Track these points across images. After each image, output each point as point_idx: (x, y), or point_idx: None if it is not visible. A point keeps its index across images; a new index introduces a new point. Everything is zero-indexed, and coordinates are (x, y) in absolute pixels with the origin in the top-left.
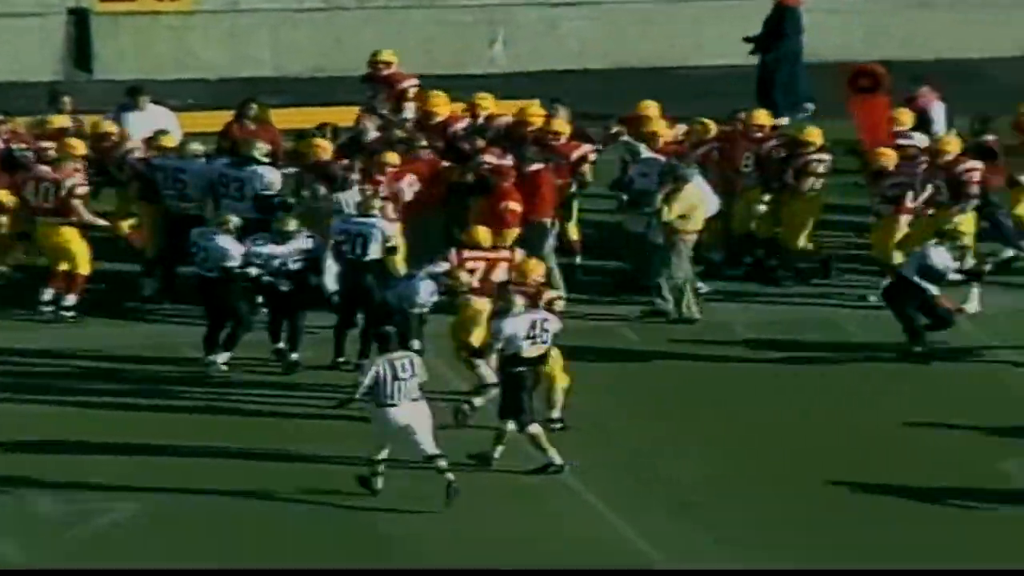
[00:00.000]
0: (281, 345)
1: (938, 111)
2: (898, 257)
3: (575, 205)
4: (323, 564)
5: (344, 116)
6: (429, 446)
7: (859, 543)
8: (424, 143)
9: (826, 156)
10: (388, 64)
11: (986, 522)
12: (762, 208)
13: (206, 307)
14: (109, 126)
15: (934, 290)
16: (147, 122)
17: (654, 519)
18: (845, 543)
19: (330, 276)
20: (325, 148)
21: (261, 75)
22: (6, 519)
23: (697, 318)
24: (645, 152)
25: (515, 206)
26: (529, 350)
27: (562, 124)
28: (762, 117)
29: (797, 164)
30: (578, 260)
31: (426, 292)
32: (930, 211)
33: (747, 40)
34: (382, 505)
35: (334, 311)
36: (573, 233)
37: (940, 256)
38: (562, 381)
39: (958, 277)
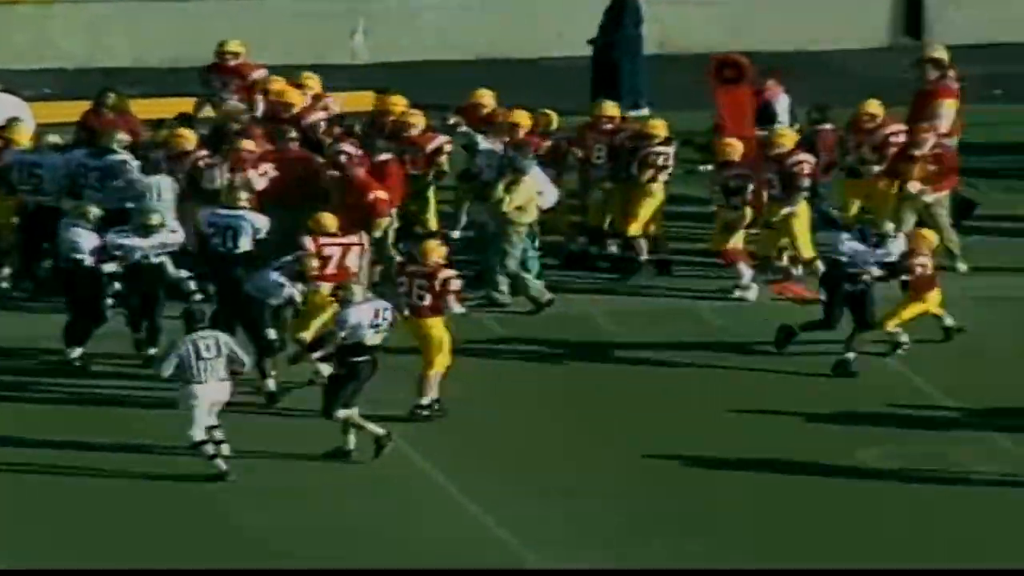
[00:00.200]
0: (142, 335)
1: (782, 104)
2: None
3: (431, 195)
4: (174, 556)
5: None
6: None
7: (728, 536)
8: (294, 134)
9: (667, 148)
10: (236, 55)
11: (845, 510)
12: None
13: (66, 299)
14: None
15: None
16: None
17: (518, 511)
18: (713, 535)
19: None
20: (188, 138)
21: (119, 65)
22: None
23: (550, 298)
24: (483, 143)
25: (383, 195)
26: (372, 338)
27: (416, 115)
28: (611, 108)
29: (639, 156)
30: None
31: (280, 283)
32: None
33: (590, 42)
34: (237, 497)
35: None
36: (432, 223)
37: (852, 246)
38: (439, 367)
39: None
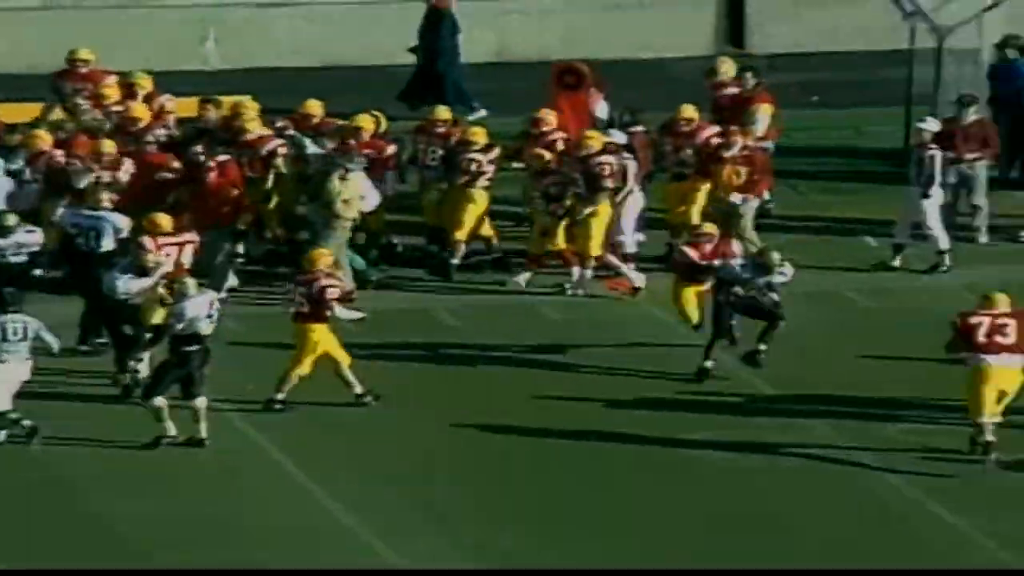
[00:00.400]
0: None
1: (602, 109)
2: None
3: (274, 196)
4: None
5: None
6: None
7: (568, 521)
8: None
9: (485, 155)
10: (86, 62)
11: (673, 491)
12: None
13: None
14: None
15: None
16: None
17: (368, 501)
18: (556, 523)
19: None
20: (43, 139)
21: None
22: None
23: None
24: (310, 146)
25: (238, 194)
26: (206, 328)
27: (253, 120)
28: (443, 113)
29: (458, 161)
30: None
31: (122, 280)
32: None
33: (411, 51)
34: (96, 485)
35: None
36: (275, 223)
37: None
38: (345, 360)
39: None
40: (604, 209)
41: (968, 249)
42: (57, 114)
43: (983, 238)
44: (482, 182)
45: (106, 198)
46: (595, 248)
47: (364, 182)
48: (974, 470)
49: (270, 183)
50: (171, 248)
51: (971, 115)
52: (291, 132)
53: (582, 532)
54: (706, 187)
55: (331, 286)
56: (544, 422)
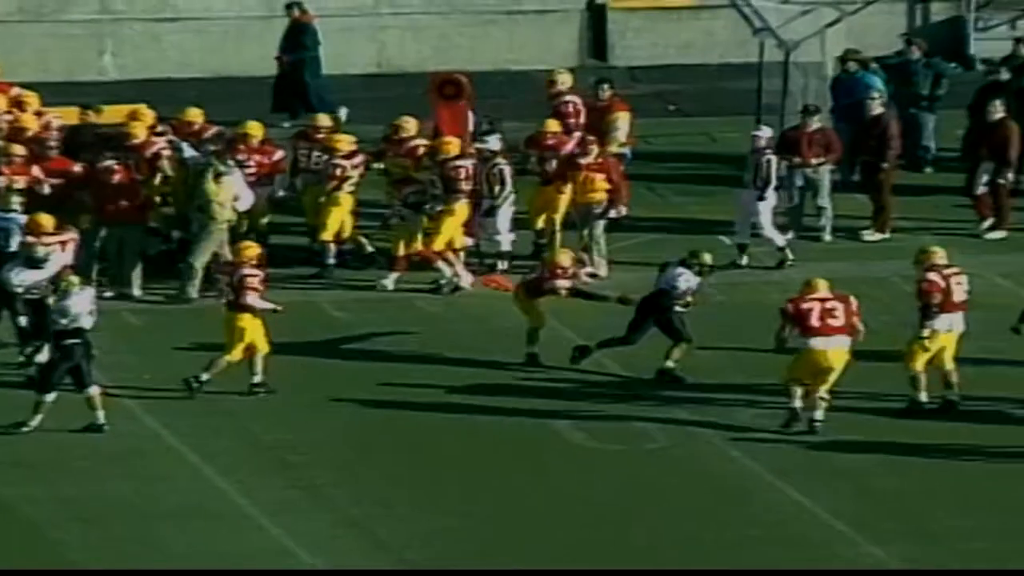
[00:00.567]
0: None
1: (468, 118)
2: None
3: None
4: None
5: None
6: None
7: (449, 504)
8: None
9: (349, 161)
10: None
11: (544, 472)
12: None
13: None
14: None
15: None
16: None
17: (256, 481)
18: (430, 503)
19: None
20: None
21: None
22: None
23: (194, 297)
24: (187, 150)
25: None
26: (88, 323)
27: (140, 127)
28: (323, 120)
29: (326, 166)
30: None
31: (15, 273)
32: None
33: (278, 59)
34: None
35: None
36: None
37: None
38: (263, 349)
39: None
40: (459, 209)
41: (814, 247)
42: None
43: (828, 236)
44: (347, 187)
45: (16, 201)
46: (439, 244)
47: (239, 184)
48: (825, 455)
49: (157, 183)
50: (54, 247)
51: (815, 123)
52: (170, 137)
53: (453, 510)
54: (567, 193)
55: (251, 275)
56: (420, 407)
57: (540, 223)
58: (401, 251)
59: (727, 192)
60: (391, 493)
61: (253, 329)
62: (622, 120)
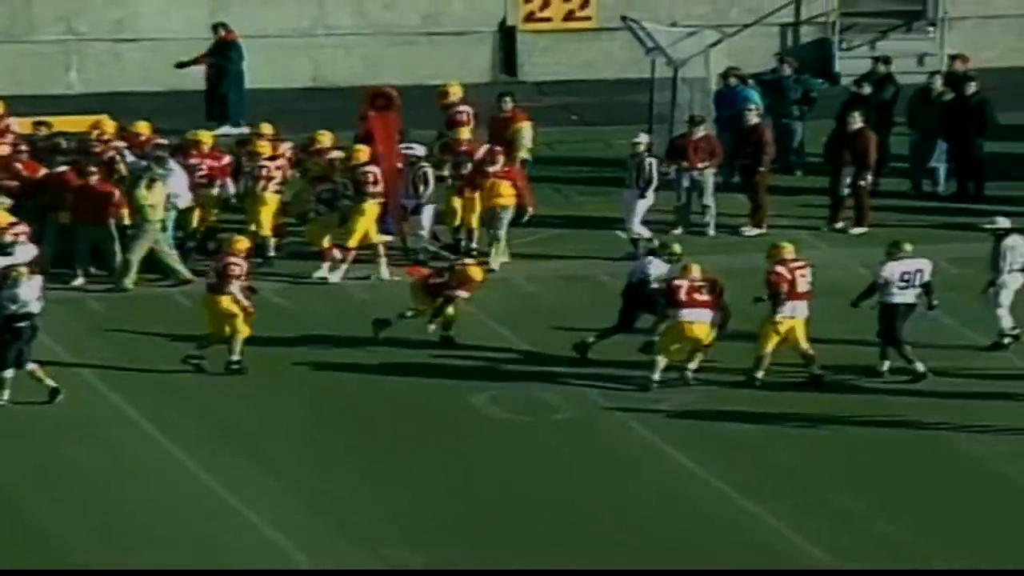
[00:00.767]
0: None
1: (397, 126)
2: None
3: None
4: None
5: None
6: None
7: (388, 473)
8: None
9: (272, 163)
10: None
11: (465, 444)
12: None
13: None
14: None
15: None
16: None
17: (209, 449)
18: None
19: None
20: None
21: None
22: None
23: (129, 288)
24: (129, 156)
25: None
26: (36, 308)
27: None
28: (267, 128)
29: (252, 170)
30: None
31: None
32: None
33: (180, 65)
34: None
35: None
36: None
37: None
38: (244, 332)
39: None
40: (369, 209)
41: (700, 241)
42: None
43: (712, 232)
44: (272, 186)
45: None
46: (354, 240)
47: (179, 185)
48: (709, 424)
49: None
50: (20, 238)
51: (700, 132)
52: (116, 143)
53: (392, 478)
54: (477, 198)
55: (235, 264)
56: (356, 384)
57: (456, 223)
58: (326, 243)
59: (621, 192)
60: (320, 453)
61: (233, 311)
62: (526, 130)
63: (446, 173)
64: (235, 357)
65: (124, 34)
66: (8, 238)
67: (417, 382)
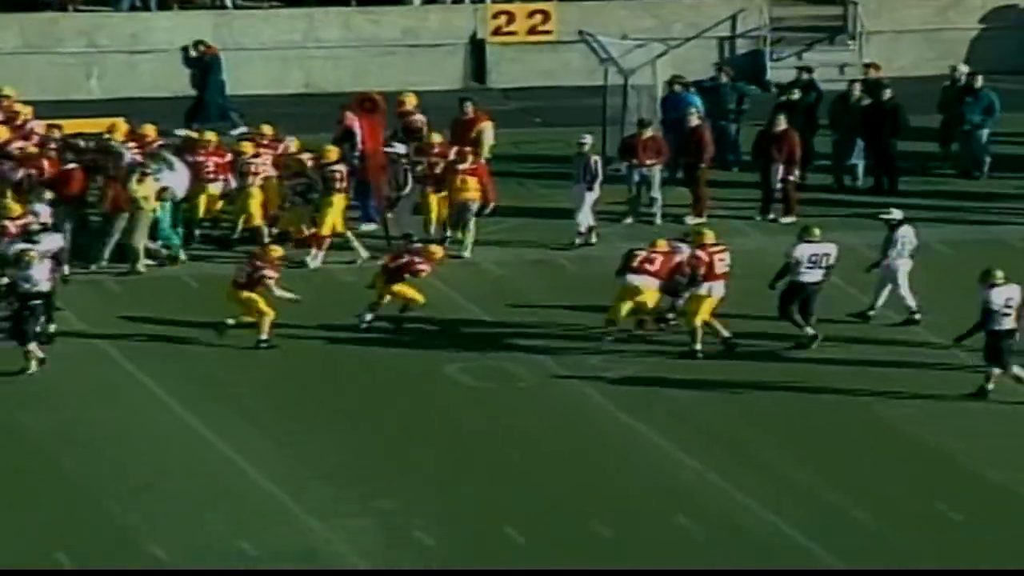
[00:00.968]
0: None
1: (358, 128)
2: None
3: None
4: None
5: None
6: None
7: (360, 430)
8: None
9: (258, 160)
10: (8, 96)
11: (441, 408)
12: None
13: None
14: None
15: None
16: None
17: (209, 408)
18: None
19: None
20: None
21: None
22: None
23: (142, 272)
24: (127, 155)
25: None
26: (46, 287)
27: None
28: (268, 129)
29: (241, 167)
30: None
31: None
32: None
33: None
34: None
35: None
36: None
37: None
38: (269, 315)
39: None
40: (337, 201)
41: (648, 229)
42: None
43: (658, 221)
44: (258, 180)
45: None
46: (326, 229)
47: (174, 180)
48: (655, 390)
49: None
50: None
51: (648, 133)
52: (114, 143)
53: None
54: (446, 193)
55: (270, 277)
56: (342, 355)
57: (432, 217)
58: (304, 232)
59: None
60: (310, 415)
61: (256, 300)
62: (488, 130)
63: (418, 169)
64: (264, 335)
65: (139, 46)
66: (36, 226)
67: (397, 353)
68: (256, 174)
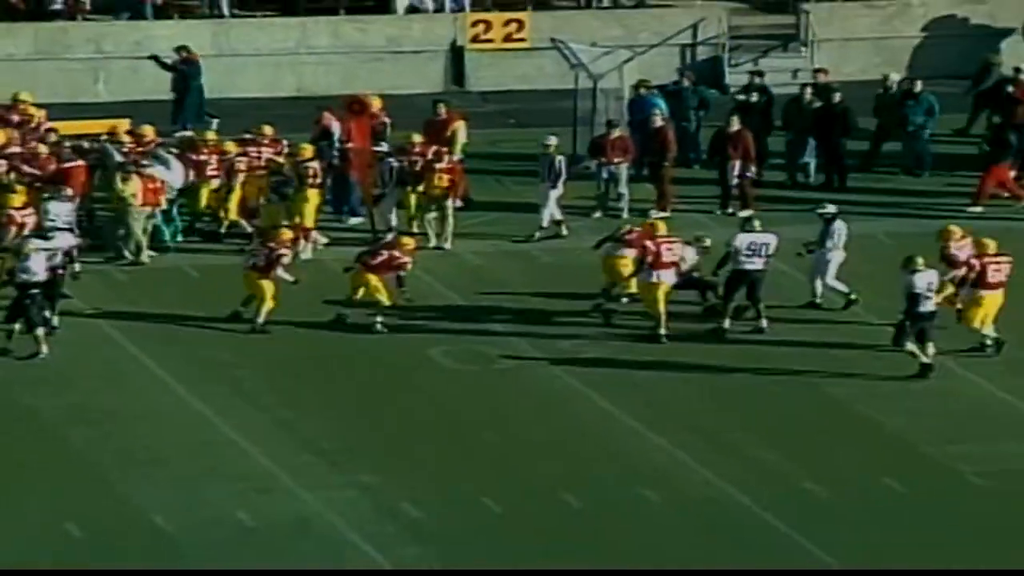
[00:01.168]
0: None
1: (335, 128)
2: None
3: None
4: None
5: None
6: None
7: (343, 409)
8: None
9: (244, 158)
10: (24, 101)
11: (426, 391)
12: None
13: None
14: None
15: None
16: None
17: (207, 388)
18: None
19: None
20: None
21: None
22: None
23: (146, 262)
24: (117, 155)
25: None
26: (44, 277)
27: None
28: (268, 129)
29: (228, 164)
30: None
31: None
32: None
33: (153, 58)
34: (21, 384)
35: None
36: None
37: None
38: (270, 304)
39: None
40: (312, 196)
41: (615, 223)
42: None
43: (625, 215)
44: (240, 178)
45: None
46: (308, 222)
47: (170, 177)
48: (623, 372)
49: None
50: (28, 218)
51: (616, 133)
52: (107, 145)
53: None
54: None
55: (284, 255)
56: (332, 340)
57: (412, 212)
58: (284, 223)
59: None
60: (302, 395)
61: (269, 287)
62: (461, 130)
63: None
64: (260, 320)
65: (142, 52)
66: (48, 223)
67: (383, 337)
68: (241, 171)
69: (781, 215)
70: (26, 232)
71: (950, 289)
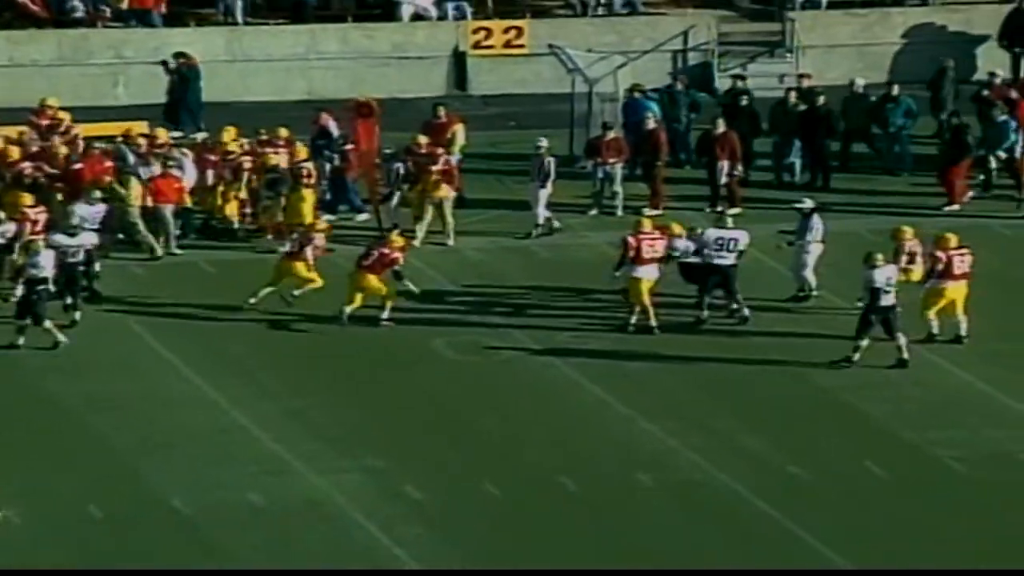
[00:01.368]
0: None
1: (333, 127)
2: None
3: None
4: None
5: None
6: None
7: (342, 401)
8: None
9: (243, 158)
10: (52, 107)
11: (424, 383)
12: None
13: None
14: None
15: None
16: None
17: (219, 375)
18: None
19: None
20: (13, 152)
21: None
22: None
23: (160, 256)
24: (130, 155)
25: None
26: (50, 274)
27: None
28: (283, 132)
29: (229, 164)
30: None
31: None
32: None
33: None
34: (33, 371)
35: None
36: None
37: None
38: (314, 285)
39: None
40: (307, 195)
41: (610, 220)
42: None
43: (619, 212)
44: (243, 178)
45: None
46: (307, 219)
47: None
48: (618, 363)
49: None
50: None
51: (611, 135)
52: (120, 144)
53: (368, 404)
54: (418, 189)
55: (319, 244)
56: (338, 331)
57: (416, 211)
58: (280, 219)
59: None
60: (310, 384)
61: (301, 271)
62: (460, 132)
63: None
64: (297, 292)
65: (159, 58)
66: (75, 220)
67: (388, 331)
68: (243, 170)
69: (767, 213)
70: (38, 229)
71: (917, 274)
